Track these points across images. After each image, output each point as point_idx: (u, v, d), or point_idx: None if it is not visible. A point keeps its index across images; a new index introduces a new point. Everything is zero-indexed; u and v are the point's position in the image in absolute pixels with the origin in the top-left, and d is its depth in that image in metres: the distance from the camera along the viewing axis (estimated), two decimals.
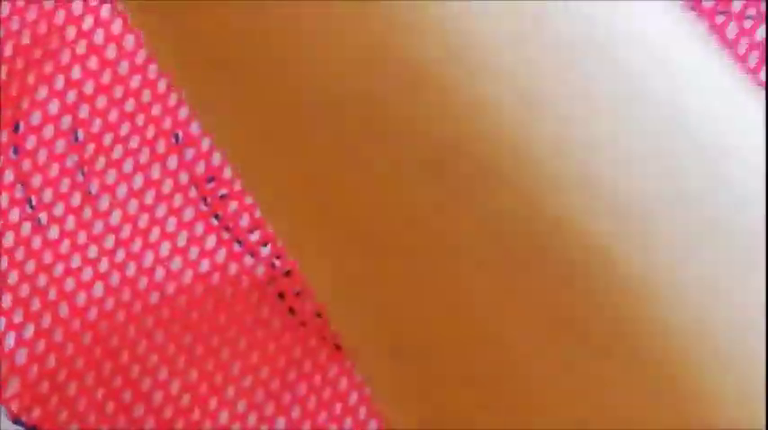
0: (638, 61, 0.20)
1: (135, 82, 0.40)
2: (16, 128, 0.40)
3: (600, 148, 0.20)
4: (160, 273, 0.40)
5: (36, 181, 0.40)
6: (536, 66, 0.19)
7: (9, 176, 0.40)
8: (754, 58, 0.42)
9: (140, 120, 0.40)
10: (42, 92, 0.40)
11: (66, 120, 0.40)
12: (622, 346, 0.20)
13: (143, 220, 0.40)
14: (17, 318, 0.40)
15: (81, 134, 0.40)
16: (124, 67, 0.40)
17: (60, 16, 0.40)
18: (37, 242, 0.40)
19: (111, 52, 0.40)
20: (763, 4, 0.42)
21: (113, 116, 0.40)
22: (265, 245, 0.40)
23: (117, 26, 0.40)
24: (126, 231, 0.40)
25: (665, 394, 0.20)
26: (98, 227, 0.40)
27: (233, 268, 0.40)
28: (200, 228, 0.40)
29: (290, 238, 0.21)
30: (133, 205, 0.40)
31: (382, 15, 0.19)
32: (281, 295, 0.40)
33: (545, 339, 0.20)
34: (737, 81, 0.21)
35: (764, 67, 0.42)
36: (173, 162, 0.40)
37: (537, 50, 0.19)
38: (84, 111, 0.40)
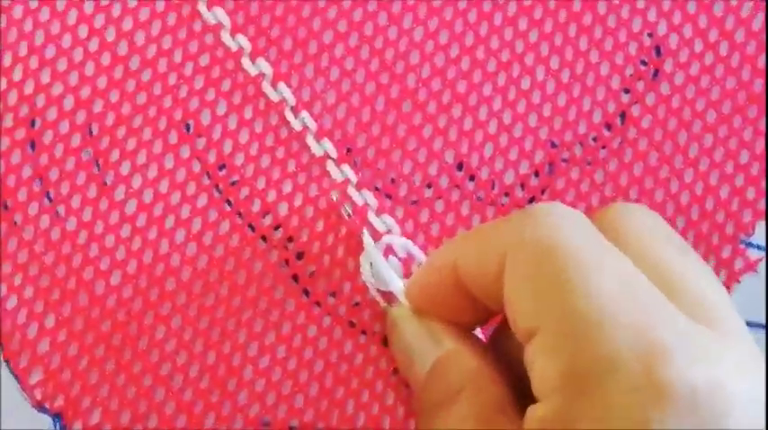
0: None
1: (146, 75, 0.41)
2: (33, 124, 0.41)
3: None
4: (175, 259, 0.41)
5: (53, 174, 0.41)
6: None
7: (27, 171, 0.41)
8: (752, 46, 0.43)
9: (152, 112, 0.41)
10: (57, 88, 0.41)
11: (81, 115, 0.41)
12: None
13: (158, 209, 0.41)
14: (38, 309, 0.41)
15: (95, 128, 0.41)
16: (135, 61, 0.41)
17: (72, 16, 0.41)
18: (56, 233, 0.41)
19: (122, 48, 0.41)
20: None
21: (126, 109, 0.41)
22: (277, 229, 0.41)
23: (127, 24, 0.41)
24: (141, 220, 0.41)
25: None
26: (114, 217, 0.41)
27: (246, 253, 0.41)
28: (213, 215, 0.41)
29: None
30: (148, 194, 0.41)
31: None
32: (295, 277, 0.41)
33: None
34: None
35: (764, 56, 0.43)
36: (185, 152, 0.41)
37: None
38: (98, 106, 0.41)
